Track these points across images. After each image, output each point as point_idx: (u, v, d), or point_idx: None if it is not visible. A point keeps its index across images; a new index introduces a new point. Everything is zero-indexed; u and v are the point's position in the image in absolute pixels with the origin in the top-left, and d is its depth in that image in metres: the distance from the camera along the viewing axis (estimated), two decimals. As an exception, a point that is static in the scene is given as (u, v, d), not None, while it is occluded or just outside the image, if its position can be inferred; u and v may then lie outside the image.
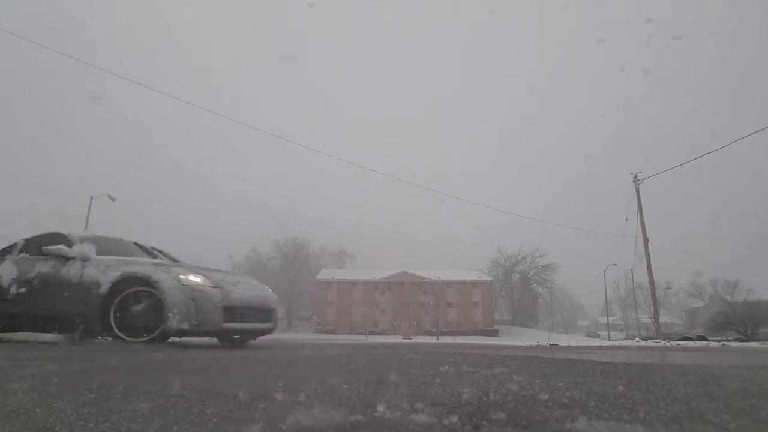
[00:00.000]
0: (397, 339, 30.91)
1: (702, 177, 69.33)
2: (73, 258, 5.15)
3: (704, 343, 18.41)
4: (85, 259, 5.14)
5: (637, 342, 18.47)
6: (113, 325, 4.67)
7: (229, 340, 5.96)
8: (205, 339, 5.98)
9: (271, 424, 1.10)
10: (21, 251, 5.56)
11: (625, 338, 36.57)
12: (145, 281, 4.75)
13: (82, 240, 5.48)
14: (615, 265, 39.28)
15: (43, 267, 5.19)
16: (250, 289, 5.55)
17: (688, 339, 24.39)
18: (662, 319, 32.54)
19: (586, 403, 1.43)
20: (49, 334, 5.41)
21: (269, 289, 6.19)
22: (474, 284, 59.48)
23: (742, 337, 27.02)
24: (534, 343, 13.93)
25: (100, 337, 4.92)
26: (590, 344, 16.01)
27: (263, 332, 5.94)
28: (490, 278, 61.55)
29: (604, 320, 57.17)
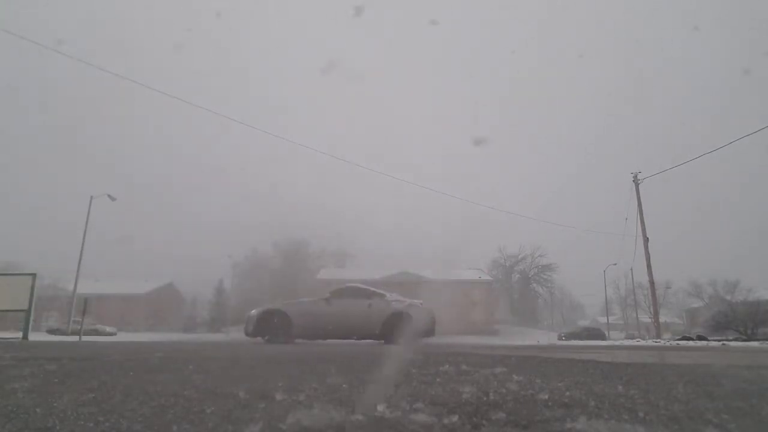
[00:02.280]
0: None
1: (702, 176, 69.31)
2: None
3: (704, 342, 18.41)
4: None
5: (638, 342, 18.48)
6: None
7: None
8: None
9: (271, 423, 1.10)
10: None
11: (626, 338, 36.51)
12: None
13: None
14: (615, 264, 39.26)
15: None
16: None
17: (688, 339, 24.38)
18: (662, 318, 32.53)
19: (586, 402, 1.43)
20: None
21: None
22: (474, 284, 59.44)
23: (742, 336, 27.00)
24: (534, 343, 13.93)
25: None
26: (590, 344, 16.00)
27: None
28: (490, 278, 61.54)
29: (604, 320, 57.14)
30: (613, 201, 50.38)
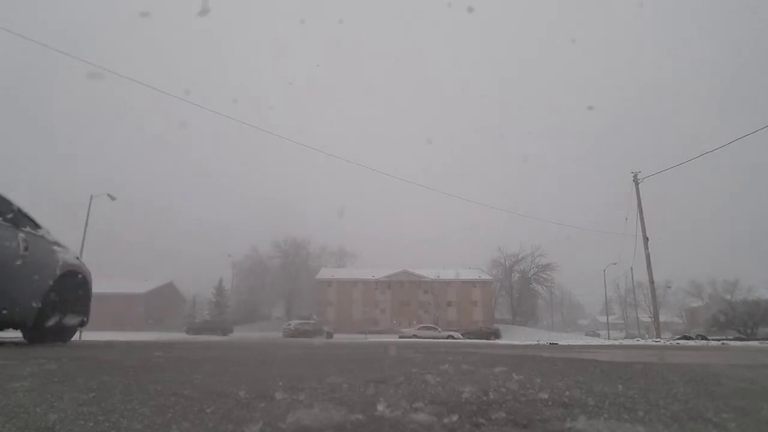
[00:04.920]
0: (396, 338, 30.94)
1: (702, 176, 69.41)
2: None
3: (704, 342, 18.42)
4: None
5: (638, 341, 18.48)
6: None
7: None
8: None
9: (271, 423, 1.10)
10: None
11: (625, 337, 36.52)
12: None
13: None
14: (615, 264, 39.31)
15: None
16: None
17: (688, 338, 24.39)
18: (662, 318, 32.57)
19: (586, 402, 1.43)
20: None
21: None
22: (474, 283, 59.45)
23: (742, 336, 27.03)
24: (534, 342, 13.94)
25: None
26: (590, 343, 16.01)
27: None
28: (490, 277, 61.55)
29: (604, 319, 57.19)
30: (614, 200, 50.58)
